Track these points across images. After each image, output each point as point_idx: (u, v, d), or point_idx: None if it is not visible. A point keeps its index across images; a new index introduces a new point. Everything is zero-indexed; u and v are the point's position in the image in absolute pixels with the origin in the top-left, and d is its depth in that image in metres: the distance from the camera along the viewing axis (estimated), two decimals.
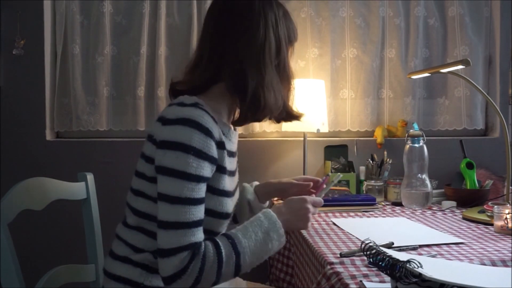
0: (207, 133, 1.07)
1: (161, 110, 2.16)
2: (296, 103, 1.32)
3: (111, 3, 2.23)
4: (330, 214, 1.69)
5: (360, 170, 2.15)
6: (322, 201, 1.26)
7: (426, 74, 2.00)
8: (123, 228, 1.21)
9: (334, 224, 1.51)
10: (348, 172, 2.11)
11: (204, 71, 1.18)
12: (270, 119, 1.25)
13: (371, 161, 2.08)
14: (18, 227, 1.26)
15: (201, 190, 1.07)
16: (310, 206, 1.21)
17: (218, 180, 1.14)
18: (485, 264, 1.08)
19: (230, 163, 1.20)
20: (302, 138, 2.16)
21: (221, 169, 1.13)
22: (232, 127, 1.24)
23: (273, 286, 1.58)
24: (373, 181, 1.97)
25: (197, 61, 1.21)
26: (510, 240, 1.30)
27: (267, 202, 1.46)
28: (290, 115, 1.28)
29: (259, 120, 1.22)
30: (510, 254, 1.15)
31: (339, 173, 1.48)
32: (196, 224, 1.05)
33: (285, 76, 1.22)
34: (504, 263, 1.09)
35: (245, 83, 1.14)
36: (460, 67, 1.71)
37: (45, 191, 1.23)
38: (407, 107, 2.30)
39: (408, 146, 1.84)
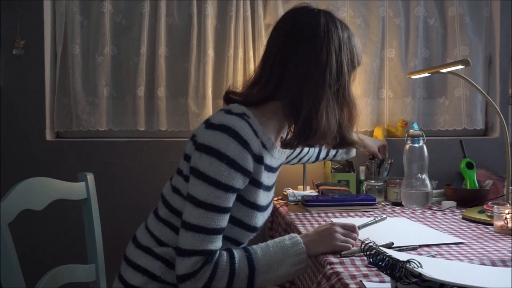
0: (245, 145, 1.07)
1: (161, 110, 2.20)
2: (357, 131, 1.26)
3: (111, 3, 2.23)
4: (330, 214, 1.69)
5: (360, 170, 2.15)
6: (355, 225, 1.23)
7: (426, 74, 2.00)
8: (153, 219, 1.22)
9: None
10: (348, 172, 2.11)
11: (262, 90, 1.18)
12: (322, 145, 1.22)
13: (371, 161, 2.09)
14: (18, 227, 1.26)
15: (227, 200, 1.07)
16: (337, 228, 1.18)
17: (250, 193, 1.14)
18: (485, 264, 1.08)
19: (268, 178, 1.20)
20: None
21: (255, 183, 1.14)
22: (278, 147, 1.22)
23: (275, 286, 1.58)
24: (373, 181, 1.97)
25: (257, 78, 1.21)
26: (510, 240, 1.30)
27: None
28: (345, 142, 1.23)
29: (311, 145, 1.21)
30: (510, 254, 1.15)
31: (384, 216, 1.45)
32: (215, 232, 1.06)
33: (344, 102, 1.18)
34: (504, 263, 1.09)
35: (299, 107, 1.13)
36: (460, 67, 1.71)
37: (45, 191, 1.23)
38: (407, 107, 2.30)
39: (408, 146, 1.84)
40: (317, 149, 1.74)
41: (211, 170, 1.05)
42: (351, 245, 1.16)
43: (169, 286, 1.15)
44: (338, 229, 1.19)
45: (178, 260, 1.06)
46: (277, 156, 1.23)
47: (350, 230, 1.21)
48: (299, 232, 1.44)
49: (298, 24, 1.17)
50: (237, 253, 1.09)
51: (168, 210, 1.17)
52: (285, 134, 1.29)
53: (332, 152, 1.81)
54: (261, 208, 1.19)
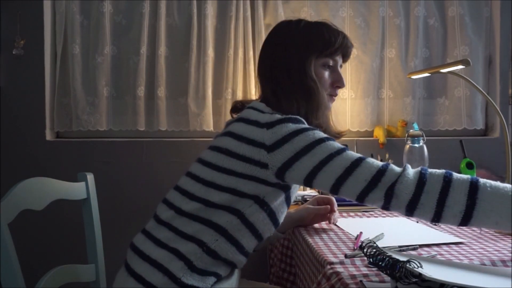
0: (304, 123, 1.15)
1: (161, 110, 2.20)
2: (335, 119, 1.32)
3: (111, 3, 2.23)
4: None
5: None
6: None
7: (426, 74, 1.99)
8: (174, 215, 1.17)
9: (334, 224, 1.51)
10: None
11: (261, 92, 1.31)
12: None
13: None
14: (18, 227, 1.26)
15: (336, 144, 1.10)
16: None
17: (295, 188, 1.24)
18: (485, 264, 1.08)
19: None
20: None
21: None
22: None
23: (275, 286, 1.57)
24: None
25: None
26: (510, 240, 1.30)
27: (286, 232, 1.49)
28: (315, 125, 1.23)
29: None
30: (510, 254, 1.15)
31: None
32: (362, 158, 1.05)
33: (303, 86, 1.22)
34: (504, 263, 1.09)
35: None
36: (460, 67, 1.71)
37: (45, 191, 1.23)
38: (407, 107, 2.30)
39: (408, 146, 1.84)
40: None
41: (307, 139, 1.08)
42: None
43: None
44: None
45: (367, 202, 1.04)
46: None
47: None
48: (300, 233, 1.43)
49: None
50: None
51: (203, 205, 1.13)
52: None
53: None
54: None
